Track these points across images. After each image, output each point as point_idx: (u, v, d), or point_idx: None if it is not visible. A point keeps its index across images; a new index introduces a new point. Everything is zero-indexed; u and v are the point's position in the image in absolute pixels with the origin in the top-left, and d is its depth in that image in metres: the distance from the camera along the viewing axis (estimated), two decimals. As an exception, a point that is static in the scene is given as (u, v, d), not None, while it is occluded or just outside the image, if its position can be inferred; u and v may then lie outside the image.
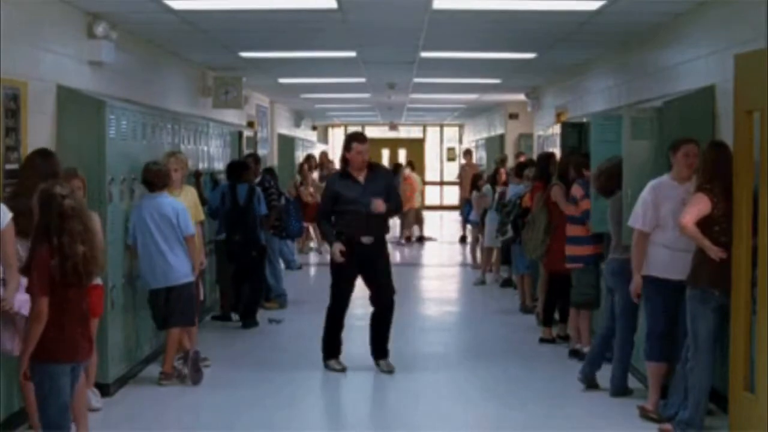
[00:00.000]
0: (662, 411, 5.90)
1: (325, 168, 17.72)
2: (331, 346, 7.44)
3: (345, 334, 7.49)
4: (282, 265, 11.02)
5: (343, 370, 7.31)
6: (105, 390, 6.48)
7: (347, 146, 7.31)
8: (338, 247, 7.14)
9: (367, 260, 7.24)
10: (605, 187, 6.79)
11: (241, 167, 9.52)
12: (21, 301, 4.80)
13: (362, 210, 7.10)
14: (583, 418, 6.24)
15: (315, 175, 16.48)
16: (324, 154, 19.41)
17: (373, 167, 7.39)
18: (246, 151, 11.62)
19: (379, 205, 7.09)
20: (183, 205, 7.09)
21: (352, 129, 29.77)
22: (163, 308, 6.99)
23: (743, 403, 5.38)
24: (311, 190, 15.71)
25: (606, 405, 6.43)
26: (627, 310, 6.36)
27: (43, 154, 5.54)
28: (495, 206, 11.26)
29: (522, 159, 13.21)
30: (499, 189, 11.59)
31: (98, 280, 5.93)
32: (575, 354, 7.72)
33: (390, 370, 7.27)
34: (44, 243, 4.25)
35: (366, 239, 7.18)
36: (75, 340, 4.37)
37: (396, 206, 7.55)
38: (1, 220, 4.63)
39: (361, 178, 7.25)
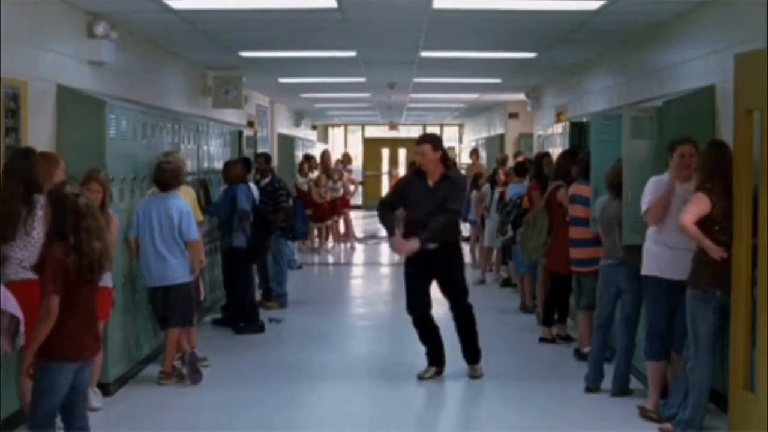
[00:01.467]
0: (662, 411, 5.90)
1: (326, 167, 17.74)
2: (429, 353, 7.19)
3: (348, 333, 7.44)
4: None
5: (421, 378, 7.07)
6: (105, 389, 6.49)
7: None
8: (399, 234, 6.86)
9: (434, 266, 6.94)
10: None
11: (249, 165, 9.50)
12: (4, 298, 4.80)
13: (424, 215, 6.80)
14: (583, 418, 6.23)
15: (314, 174, 16.47)
16: (326, 153, 19.40)
17: (449, 176, 6.96)
18: (246, 151, 11.61)
19: (399, 246, 6.90)
20: (189, 208, 7.07)
21: (352, 129, 29.83)
22: (161, 308, 7.00)
23: (743, 403, 5.38)
24: (322, 191, 15.72)
25: (606, 405, 6.43)
26: (634, 312, 6.39)
27: (23, 154, 5.48)
28: (496, 207, 11.21)
29: (520, 159, 13.21)
30: (498, 189, 11.58)
31: (108, 283, 5.93)
32: (577, 354, 7.74)
33: (474, 375, 7.13)
34: (58, 242, 4.27)
35: (429, 245, 6.83)
36: (81, 338, 4.39)
37: (449, 215, 6.88)
38: None
39: (431, 182, 6.93)
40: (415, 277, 7.01)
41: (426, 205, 6.82)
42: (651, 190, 5.90)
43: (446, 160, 7.07)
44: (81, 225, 4.26)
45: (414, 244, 6.73)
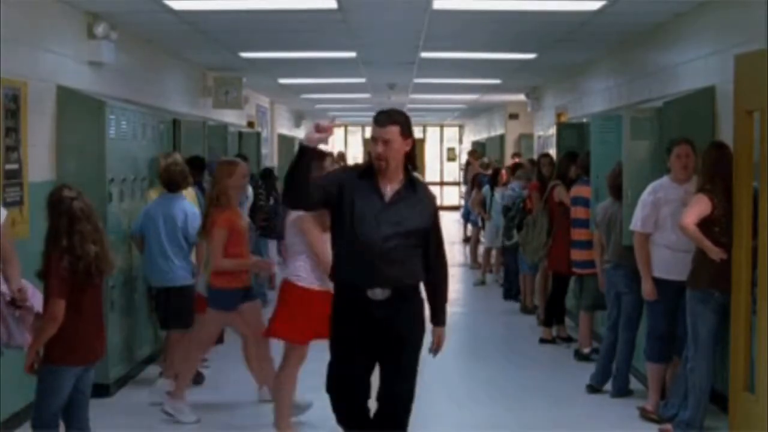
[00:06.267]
0: (662, 411, 5.90)
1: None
2: None
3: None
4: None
5: None
6: (105, 390, 6.48)
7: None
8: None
9: (379, 328, 4.30)
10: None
11: (202, 165, 8.40)
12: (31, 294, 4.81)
13: (375, 241, 4.19)
14: (583, 419, 6.24)
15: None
16: (340, 155, 19.51)
17: (414, 182, 4.37)
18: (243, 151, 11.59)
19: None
20: (195, 210, 7.02)
21: (352, 129, 29.84)
22: (163, 309, 6.98)
23: (743, 403, 5.38)
24: None
25: (606, 405, 6.44)
26: (635, 313, 6.39)
27: None
28: (501, 209, 11.16)
29: (517, 160, 13.22)
30: (499, 190, 11.57)
31: None
32: (578, 355, 7.74)
33: None
34: (57, 246, 4.26)
35: (375, 293, 4.26)
36: (87, 342, 4.39)
37: (443, 270, 4.57)
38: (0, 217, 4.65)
39: (388, 190, 4.29)
40: (350, 342, 4.45)
41: (382, 223, 4.22)
42: (644, 203, 5.89)
43: (413, 156, 4.39)
44: (75, 228, 4.25)
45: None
